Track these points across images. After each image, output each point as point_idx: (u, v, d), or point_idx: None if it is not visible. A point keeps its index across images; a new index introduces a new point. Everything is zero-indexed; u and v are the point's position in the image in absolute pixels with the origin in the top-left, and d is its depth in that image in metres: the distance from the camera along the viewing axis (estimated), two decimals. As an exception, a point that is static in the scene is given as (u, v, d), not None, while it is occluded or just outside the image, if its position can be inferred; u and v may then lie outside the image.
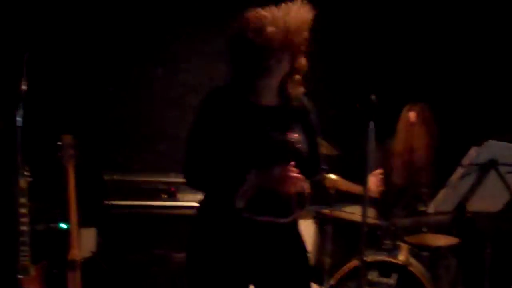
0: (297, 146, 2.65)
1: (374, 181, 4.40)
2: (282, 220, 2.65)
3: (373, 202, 4.41)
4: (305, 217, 4.41)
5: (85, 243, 4.15)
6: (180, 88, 5.04)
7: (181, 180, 4.26)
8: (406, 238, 4.19)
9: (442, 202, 3.04)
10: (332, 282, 3.99)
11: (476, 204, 3.08)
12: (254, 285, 2.72)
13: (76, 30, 4.70)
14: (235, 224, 2.60)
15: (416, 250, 4.19)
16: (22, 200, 3.65)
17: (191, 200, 4.26)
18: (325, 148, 4.28)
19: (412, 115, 4.50)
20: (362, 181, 2.78)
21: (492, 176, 2.99)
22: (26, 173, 3.73)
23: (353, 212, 4.33)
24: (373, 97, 2.75)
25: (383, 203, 4.40)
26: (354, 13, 5.31)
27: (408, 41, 5.31)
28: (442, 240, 4.17)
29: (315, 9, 2.59)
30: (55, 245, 3.96)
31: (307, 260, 2.79)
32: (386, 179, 4.55)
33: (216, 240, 2.63)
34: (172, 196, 4.33)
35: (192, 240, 2.71)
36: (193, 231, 2.72)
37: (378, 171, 4.38)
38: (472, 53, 5.18)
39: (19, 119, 3.49)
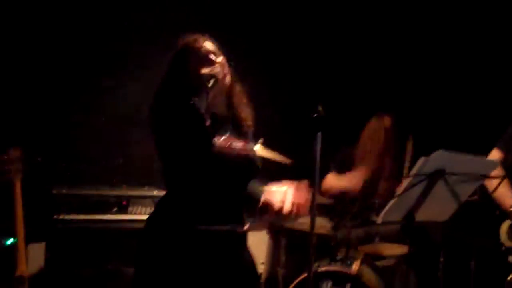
0: (256, 154, 2.70)
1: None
2: (240, 229, 2.64)
3: (327, 212, 4.42)
4: (259, 228, 4.40)
5: (33, 259, 4.06)
6: (131, 102, 4.97)
7: (133, 193, 4.30)
8: (359, 248, 4.20)
9: (390, 212, 3.04)
10: (285, 293, 3.98)
11: (425, 214, 3.07)
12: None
13: (23, 39, 4.61)
14: (187, 236, 2.58)
15: (370, 260, 4.20)
16: (-33, 215, 3.57)
17: (142, 213, 4.22)
18: (277, 157, 4.27)
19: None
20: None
21: (440, 185, 3.00)
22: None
23: (306, 223, 4.31)
24: (320, 107, 2.75)
25: (336, 213, 4.40)
26: (308, 19, 5.31)
27: (365, 51, 5.33)
28: (395, 249, 4.18)
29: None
30: (1, 261, 3.85)
31: (257, 272, 2.79)
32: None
33: (166, 253, 2.60)
34: (123, 209, 4.26)
35: (141, 253, 2.67)
36: (142, 244, 2.68)
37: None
38: (434, 59, 5.22)
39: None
